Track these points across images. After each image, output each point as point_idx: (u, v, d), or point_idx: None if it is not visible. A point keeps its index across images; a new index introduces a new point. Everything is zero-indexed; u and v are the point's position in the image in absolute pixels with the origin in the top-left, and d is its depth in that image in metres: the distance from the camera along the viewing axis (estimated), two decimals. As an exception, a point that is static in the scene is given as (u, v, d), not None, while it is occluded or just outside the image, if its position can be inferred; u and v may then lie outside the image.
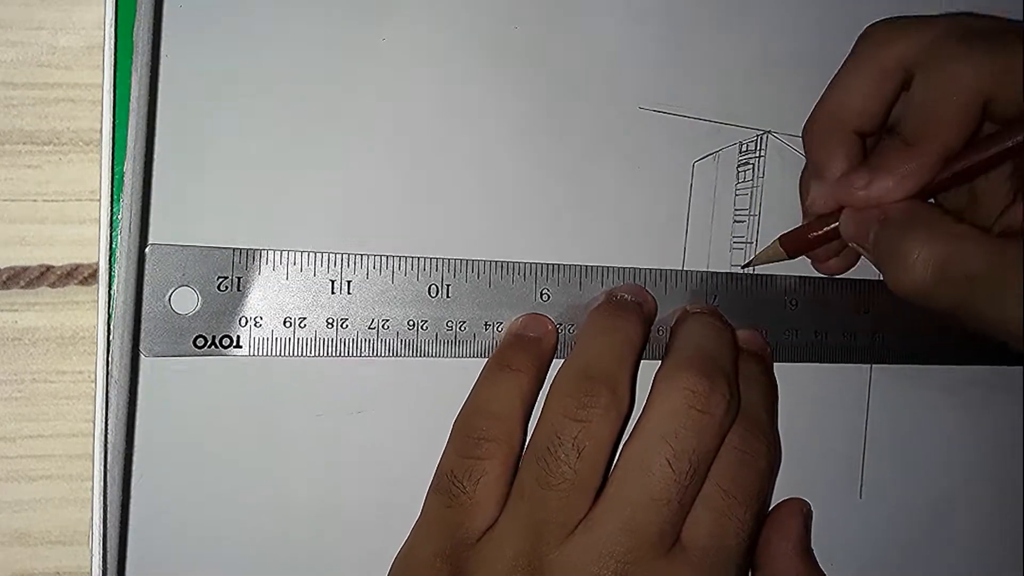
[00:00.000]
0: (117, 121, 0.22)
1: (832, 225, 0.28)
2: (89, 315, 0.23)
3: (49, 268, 0.22)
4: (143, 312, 0.24)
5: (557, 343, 0.28)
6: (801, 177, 0.30)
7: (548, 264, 0.28)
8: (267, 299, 0.25)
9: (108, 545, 0.21)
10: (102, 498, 0.21)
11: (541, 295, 0.28)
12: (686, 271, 0.29)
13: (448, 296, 0.27)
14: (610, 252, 0.29)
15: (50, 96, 0.23)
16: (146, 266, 0.24)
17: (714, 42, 0.30)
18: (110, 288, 0.22)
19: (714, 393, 0.25)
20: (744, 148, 0.30)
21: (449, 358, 0.27)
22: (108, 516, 0.21)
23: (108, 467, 0.21)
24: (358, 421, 0.27)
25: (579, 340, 0.27)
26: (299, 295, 0.26)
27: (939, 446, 0.33)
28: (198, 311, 0.25)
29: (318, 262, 0.26)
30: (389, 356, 0.26)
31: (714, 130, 0.30)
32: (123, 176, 0.22)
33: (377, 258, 0.26)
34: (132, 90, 0.22)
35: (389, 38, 0.27)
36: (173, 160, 0.25)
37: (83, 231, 0.23)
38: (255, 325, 0.25)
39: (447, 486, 0.25)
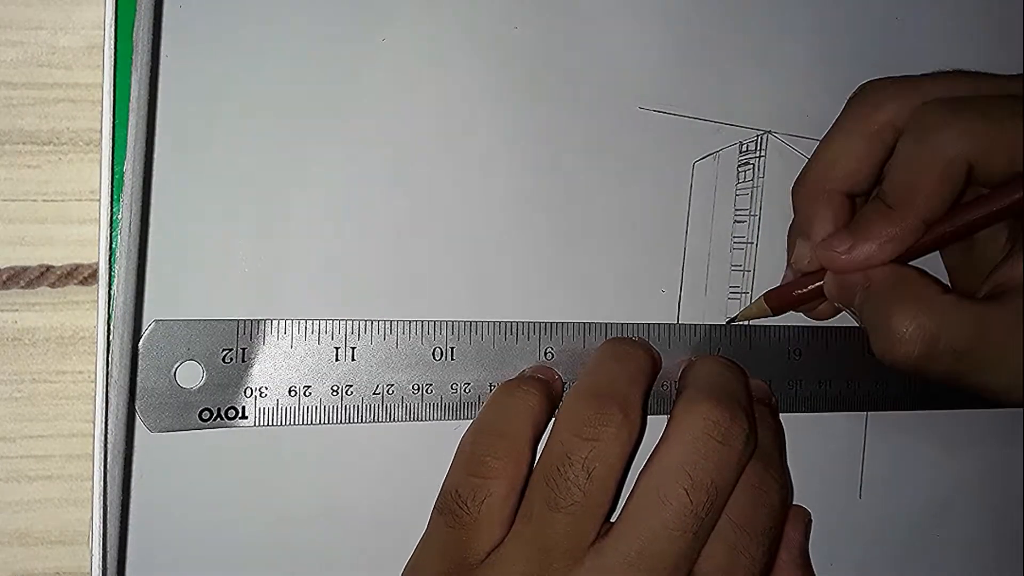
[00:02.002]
0: (117, 121, 0.22)
1: (816, 284, 0.28)
2: (89, 315, 0.23)
3: (49, 268, 0.22)
4: (148, 388, 0.24)
5: (563, 392, 0.27)
6: (788, 232, 0.30)
7: (551, 323, 0.28)
8: (272, 369, 0.25)
9: (108, 545, 0.21)
10: (102, 498, 0.21)
11: (545, 354, 0.28)
12: (689, 325, 0.29)
13: (452, 359, 0.27)
14: (610, 254, 0.29)
15: (50, 96, 0.23)
16: (150, 342, 0.24)
17: (714, 42, 0.30)
18: (110, 288, 0.22)
19: (734, 425, 0.25)
20: (744, 148, 0.30)
21: (454, 420, 0.27)
22: (108, 516, 0.21)
23: (108, 467, 0.21)
24: (359, 424, 0.26)
25: (588, 365, 0.27)
26: (304, 364, 0.26)
27: (938, 446, 0.33)
28: (203, 384, 0.25)
29: (322, 330, 0.26)
30: (394, 422, 0.26)
31: (714, 130, 0.30)
32: (123, 176, 0.22)
33: (381, 323, 0.26)
34: (132, 90, 0.22)
35: (389, 38, 0.27)
36: (173, 160, 0.25)
37: (83, 231, 0.23)
38: (260, 395, 0.25)
39: (451, 506, 0.25)
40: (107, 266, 0.22)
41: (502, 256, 0.28)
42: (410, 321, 0.26)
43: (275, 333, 0.25)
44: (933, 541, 0.33)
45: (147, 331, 0.24)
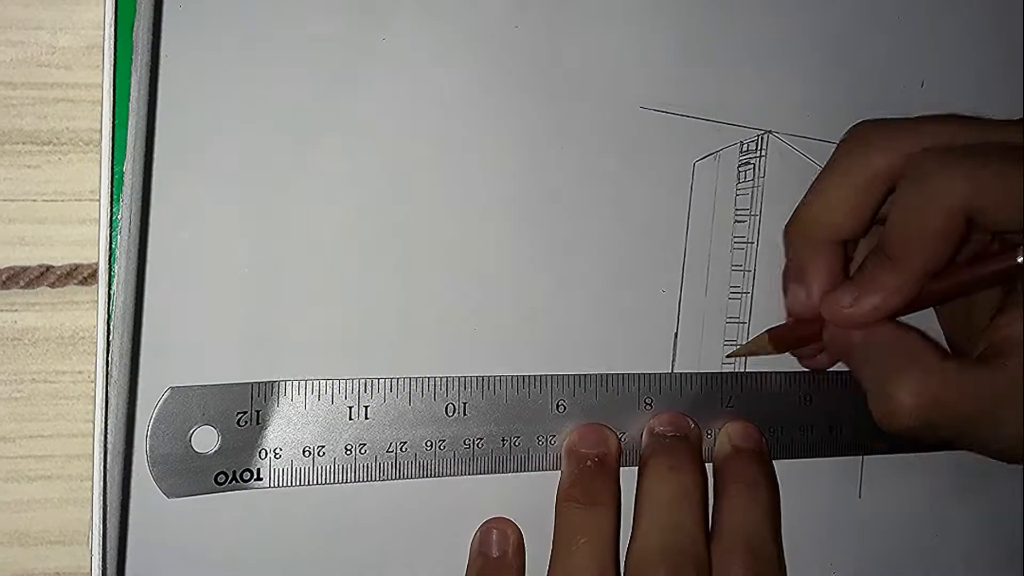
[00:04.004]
0: (117, 121, 0.22)
1: (818, 329, 0.28)
2: (89, 315, 0.23)
3: (49, 268, 0.22)
4: (164, 455, 0.24)
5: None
6: (784, 272, 0.29)
7: (564, 375, 0.28)
8: (286, 430, 0.25)
9: (108, 545, 0.21)
10: (102, 498, 0.21)
11: (557, 407, 0.28)
12: (701, 374, 0.29)
13: (465, 414, 0.27)
14: (610, 254, 0.29)
15: (50, 96, 0.23)
16: (166, 410, 0.24)
17: (715, 42, 0.30)
18: (110, 288, 0.22)
19: None
20: (745, 148, 0.30)
21: (468, 475, 0.27)
22: (108, 516, 0.21)
23: (108, 467, 0.21)
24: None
25: (647, 510, 0.27)
26: (317, 424, 0.26)
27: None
28: (218, 448, 0.25)
29: (336, 389, 0.26)
30: (407, 478, 0.26)
31: (715, 130, 0.30)
32: (123, 176, 0.22)
33: (393, 381, 0.26)
34: (132, 90, 0.22)
35: (389, 38, 0.27)
36: (173, 160, 0.25)
37: (83, 231, 0.23)
38: (275, 457, 0.25)
39: None
40: (107, 266, 0.22)
41: (501, 254, 0.28)
42: (422, 378, 0.27)
43: (289, 394, 0.25)
44: (933, 541, 0.33)
45: (162, 399, 0.24)
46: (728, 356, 0.30)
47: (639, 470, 0.28)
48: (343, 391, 0.26)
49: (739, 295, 0.30)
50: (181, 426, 0.24)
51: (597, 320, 0.29)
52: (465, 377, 0.27)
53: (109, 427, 0.21)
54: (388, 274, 0.27)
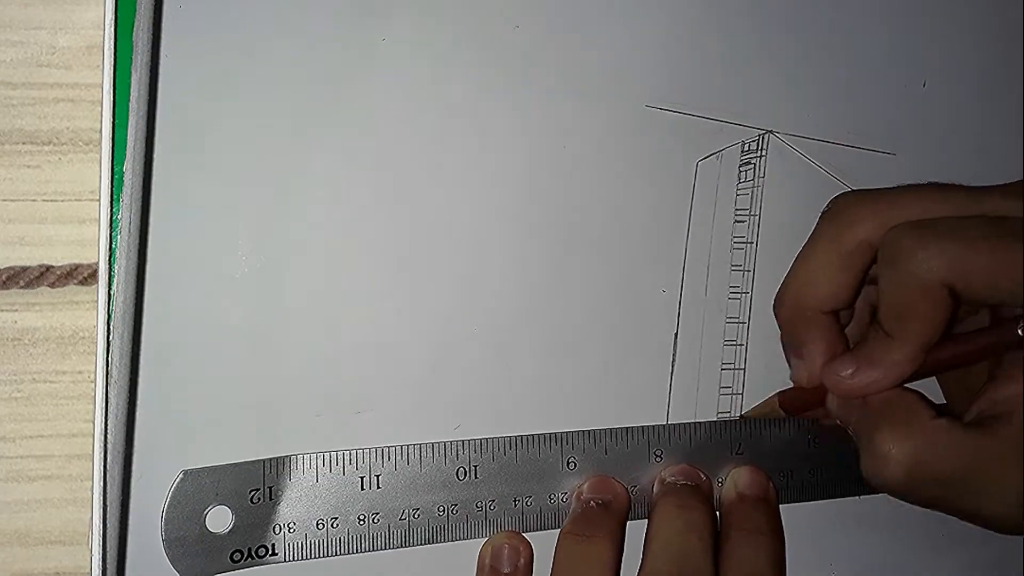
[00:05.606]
0: (117, 121, 0.22)
1: (825, 391, 0.28)
2: (89, 315, 0.23)
3: (49, 268, 0.23)
4: (179, 537, 0.24)
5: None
6: (782, 343, 0.29)
7: (572, 432, 0.28)
8: (299, 504, 0.25)
9: (108, 545, 0.21)
10: (102, 498, 0.21)
11: (568, 464, 0.28)
12: (711, 422, 0.29)
13: (476, 477, 0.27)
14: (611, 254, 0.29)
15: (49, 96, 0.23)
16: (180, 493, 0.24)
17: (718, 41, 0.30)
18: (110, 288, 0.22)
19: None
20: (746, 148, 0.30)
21: (482, 538, 0.27)
22: (108, 516, 0.21)
23: (108, 467, 0.21)
24: (358, 421, 0.27)
25: (655, 542, 0.27)
26: (330, 496, 0.26)
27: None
28: (233, 527, 0.25)
29: (347, 460, 0.26)
30: (421, 544, 0.26)
31: (717, 129, 0.30)
32: (123, 176, 0.22)
33: (404, 448, 0.26)
34: (132, 90, 0.22)
35: (389, 38, 0.27)
36: (173, 160, 0.25)
37: (83, 231, 0.23)
38: (289, 531, 0.25)
39: None
40: (107, 266, 0.22)
41: (502, 253, 0.28)
42: (433, 443, 0.27)
43: (300, 468, 0.25)
44: (934, 541, 0.33)
45: (176, 482, 0.24)
46: (742, 415, 0.30)
47: (649, 514, 0.28)
48: (354, 462, 0.26)
49: (739, 295, 0.30)
50: (195, 508, 0.24)
51: (597, 320, 0.29)
52: (475, 440, 0.27)
53: (109, 427, 0.21)
54: (387, 273, 0.27)
